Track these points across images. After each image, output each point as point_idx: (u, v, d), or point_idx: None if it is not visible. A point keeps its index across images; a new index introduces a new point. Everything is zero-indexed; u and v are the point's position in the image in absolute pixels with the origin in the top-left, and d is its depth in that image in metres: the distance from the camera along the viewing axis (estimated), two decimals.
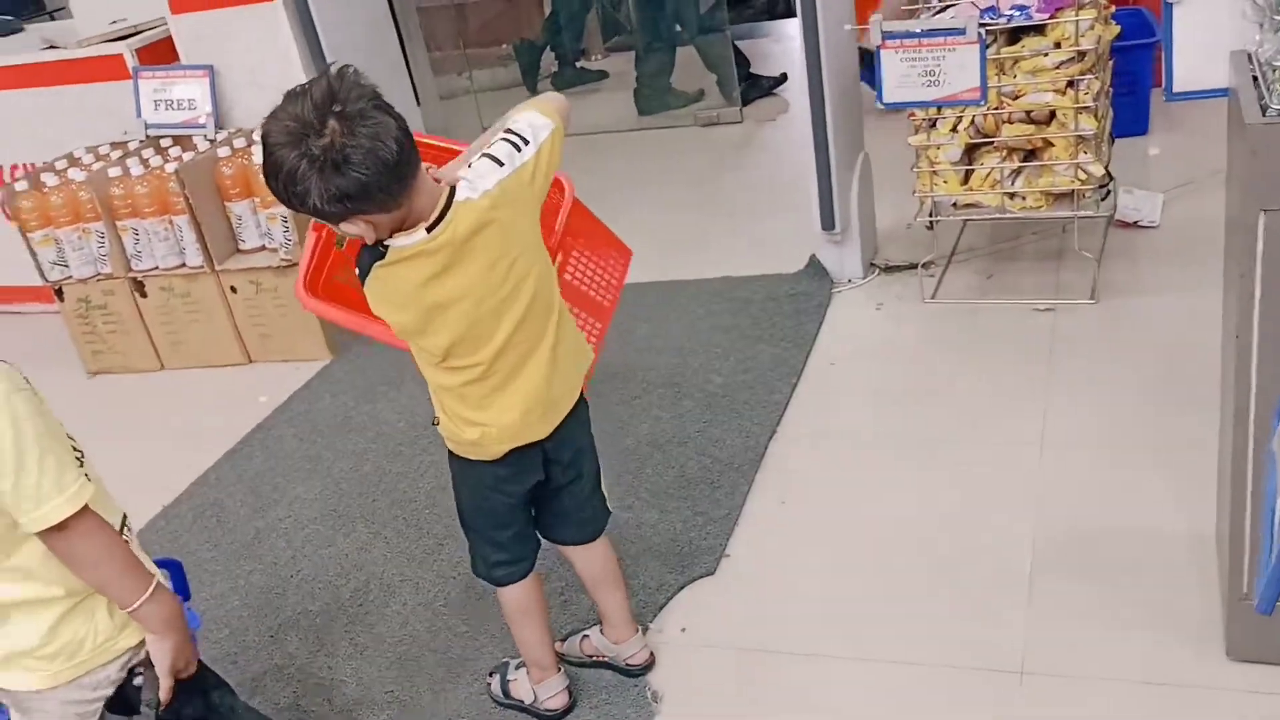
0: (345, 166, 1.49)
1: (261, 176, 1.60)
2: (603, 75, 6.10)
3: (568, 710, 2.12)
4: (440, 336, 1.73)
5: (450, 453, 1.93)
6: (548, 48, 6.07)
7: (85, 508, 1.42)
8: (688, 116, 5.32)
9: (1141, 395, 2.67)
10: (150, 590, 1.49)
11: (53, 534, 1.41)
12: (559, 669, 2.14)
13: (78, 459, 1.50)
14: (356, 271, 1.70)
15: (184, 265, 3.56)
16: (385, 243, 1.64)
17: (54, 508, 1.39)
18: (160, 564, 1.65)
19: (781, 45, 6.01)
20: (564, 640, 2.24)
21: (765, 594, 2.33)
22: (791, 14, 6.45)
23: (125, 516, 1.58)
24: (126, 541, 1.54)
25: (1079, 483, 2.45)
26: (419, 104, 4.87)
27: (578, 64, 6.13)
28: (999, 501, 2.44)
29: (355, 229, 1.60)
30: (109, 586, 1.48)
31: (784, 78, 5.39)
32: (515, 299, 1.74)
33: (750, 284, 3.56)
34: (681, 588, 2.37)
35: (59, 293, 3.69)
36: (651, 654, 2.19)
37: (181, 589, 1.82)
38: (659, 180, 4.66)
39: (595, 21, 6.41)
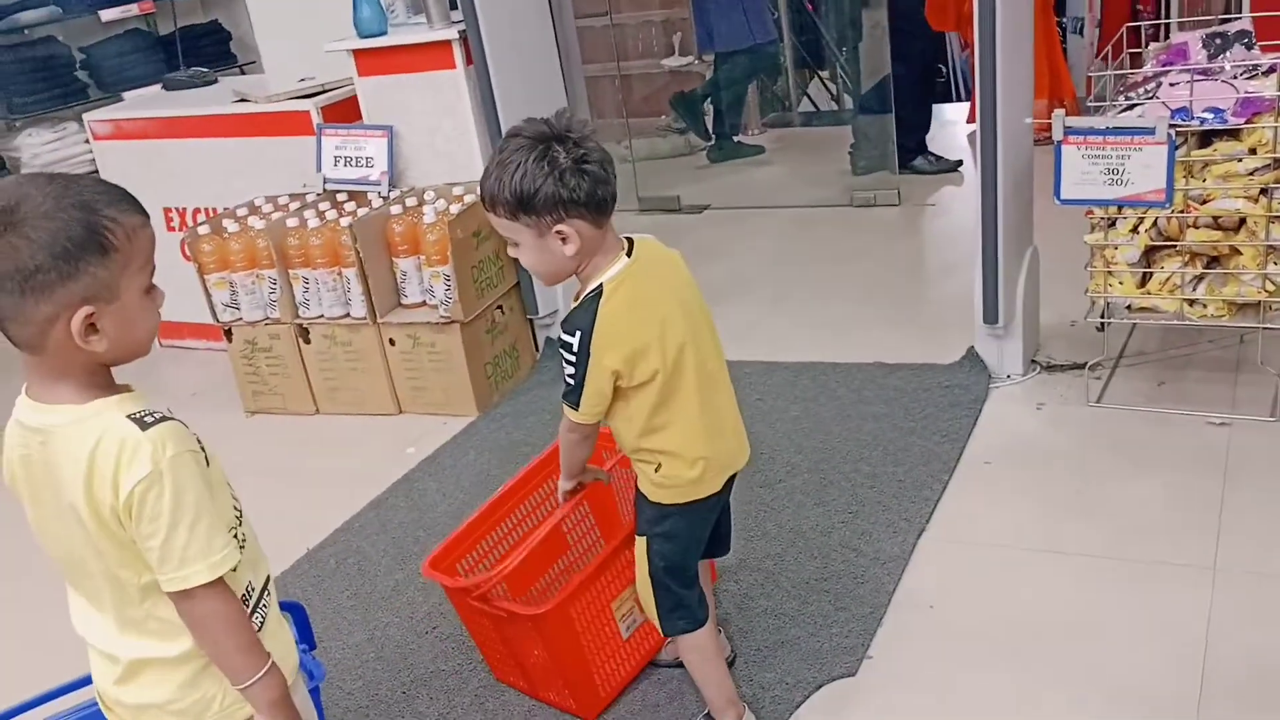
0: (585, 172, 1.77)
1: (484, 191, 1.83)
2: (759, 150, 6.13)
3: None
4: (669, 348, 1.88)
5: (656, 514, 2.01)
6: (706, 98, 6.14)
7: (220, 580, 1.43)
8: (844, 195, 5.28)
9: None
10: (261, 673, 1.48)
11: (182, 597, 1.43)
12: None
13: (236, 515, 1.52)
14: (572, 341, 1.85)
15: (348, 315, 3.67)
16: (594, 287, 1.85)
17: (194, 572, 1.40)
18: (284, 607, 1.67)
19: (946, 130, 5.94)
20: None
21: (907, 703, 2.23)
22: (949, 98, 6.45)
23: (269, 578, 1.59)
24: (266, 606, 1.55)
25: (1257, 612, 2.29)
26: None
27: (735, 138, 6.17)
28: (1167, 624, 2.29)
29: (564, 234, 1.81)
30: (221, 660, 1.48)
31: (958, 165, 5.32)
32: (703, 324, 1.96)
33: (903, 372, 3.48)
34: (819, 686, 2.28)
35: (228, 333, 3.85)
36: (733, 649, 2.37)
37: (305, 636, 1.84)
38: (813, 259, 4.63)
39: (755, 96, 6.47)
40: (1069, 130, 2.77)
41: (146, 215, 1.42)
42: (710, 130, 6.20)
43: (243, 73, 5.70)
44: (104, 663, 1.54)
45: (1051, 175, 2.86)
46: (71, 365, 1.39)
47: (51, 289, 1.32)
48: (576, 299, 1.91)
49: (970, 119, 5.70)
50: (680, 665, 2.27)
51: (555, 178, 1.75)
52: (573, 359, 1.86)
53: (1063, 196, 2.85)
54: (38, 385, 1.42)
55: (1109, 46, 3.07)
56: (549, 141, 1.77)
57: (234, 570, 1.46)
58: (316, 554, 3.04)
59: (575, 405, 1.91)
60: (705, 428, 1.96)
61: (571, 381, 1.89)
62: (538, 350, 3.96)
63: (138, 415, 1.40)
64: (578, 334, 1.85)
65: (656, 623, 2.10)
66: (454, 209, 3.55)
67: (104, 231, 1.35)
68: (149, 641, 1.49)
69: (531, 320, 3.89)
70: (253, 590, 1.54)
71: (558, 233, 1.80)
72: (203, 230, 3.78)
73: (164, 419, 1.41)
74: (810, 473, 3.03)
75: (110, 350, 1.39)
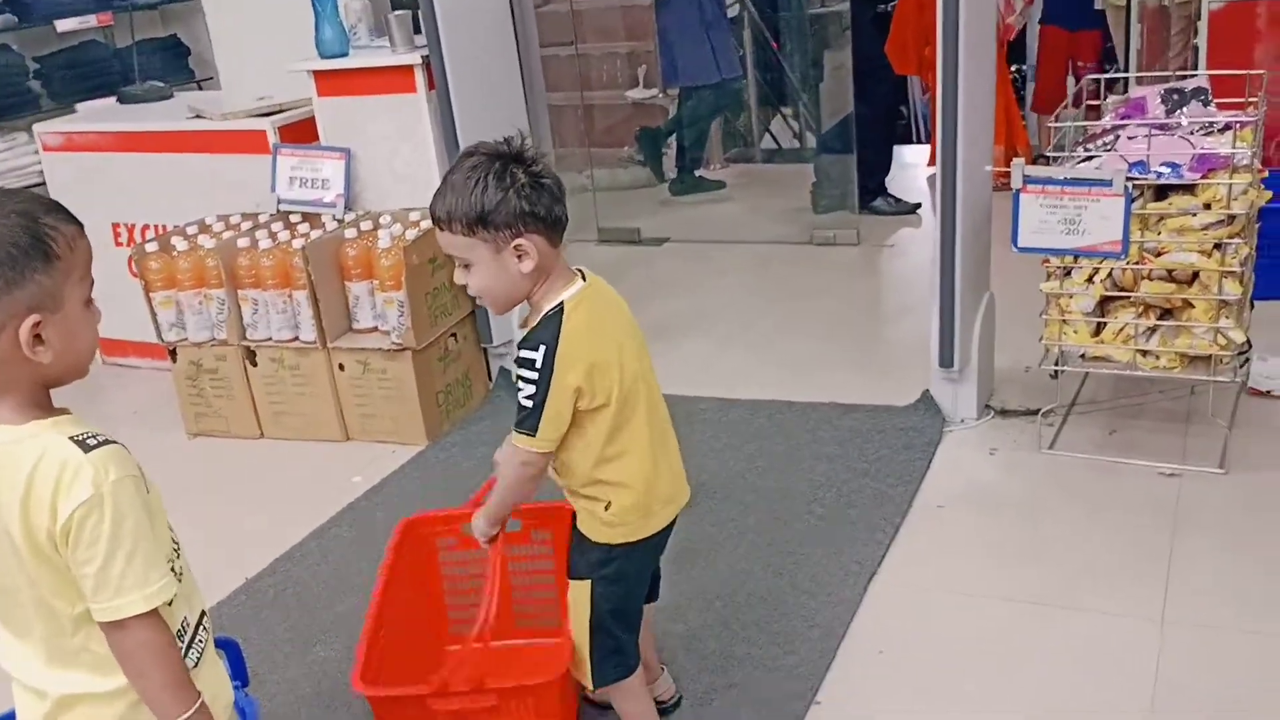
0: (542, 188, 1.79)
1: (438, 208, 1.82)
2: (721, 185, 6.13)
3: None
4: (626, 372, 1.88)
5: (602, 556, 1.97)
6: (671, 135, 6.15)
7: (154, 611, 1.38)
8: (804, 233, 5.29)
9: (1275, 576, 2.50)
10: (189, 713, 1.43)
11: (114, 628, 1.38)
12: None
13: (174, 547, 1.48)
14: (535, 357, 1.82)
15: (297, 339, 3.60)
16: (553, 305, 1.84)
17: (129, 602, 1.36)
18: (219, 644, 1.62)
19: (905, 172, 5.98)
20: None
21: None
22: (909, 140, 6.51)
23: (204, 613, 1.54)
24: (202, 642, 1.51)
25: (1204, 664, 2.29)
26: None
27: (697, 172, 6.17)
28: (1113, 676, 2.28)
29: (522, 249, 1.79)
30: (149, 696, 1.42)
31: (916, 208, 5.37)
32: (648, 364, 1.96)
33: (858, 413, 3.47)
34: None
35: (173, 353, 3.76)
36: (677, 690, 2.31)
37: (239, 673, 1.78)
38: (772, 295, 4.62)
39: (718, 131, 6.48)
40: (1028, 179, 2.79)
41: (81, 225, 1.40)
42: (671, 170, 6.19)
43: (200, 88, 5.61)
44: (30, 699, 1.48)
45: (1009, 222, 2.88)
46: (14, 381, 1.36)
47: None
48: (524, 325, 1.89)
49: (930, 162, 5.75)
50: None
51: (516, 191, 1.77)
52: (534, 377, 1.81)
53: (1020, 244, 2.86)
54: None
55: (1068, 99, 3.10)
56: (506, 159, 1.80)
57: (169, 604, 1.41)
58: (254, 584, 2.96)
59: (533, 430, 1.84)
60: (656, 460, 1.95)
61: (530, 404, 1.83)
62: (491, 380, 3.91)
63: (80, 437, 1.36)
64: (541, 349, 1.81)
65: (586, 672, 2.03)
66: (410, 234, 3.50)
67: (47, 238, 1.33)
68: (81, 675, 1.44)
69: (486, 349, 3.84)
70: (187, 626, 1.49)
71: (516, 247, 1.79)
72: (150, 247, 3.70)
73: (107, 442, 1.38)
74: (763, 512, 3.00)
75: (54, 363, 1.36)
